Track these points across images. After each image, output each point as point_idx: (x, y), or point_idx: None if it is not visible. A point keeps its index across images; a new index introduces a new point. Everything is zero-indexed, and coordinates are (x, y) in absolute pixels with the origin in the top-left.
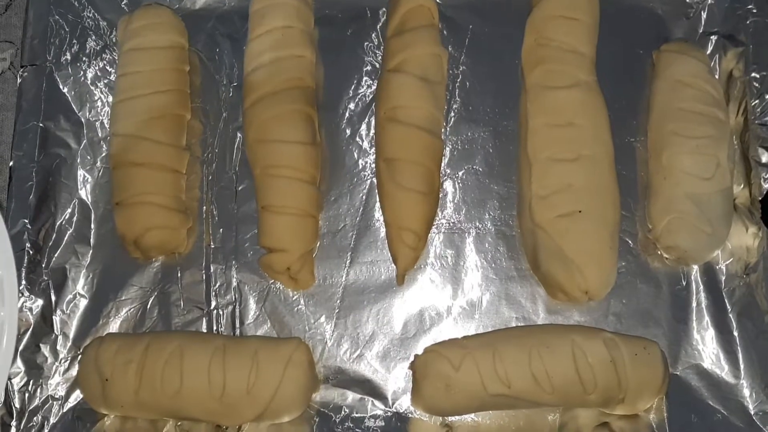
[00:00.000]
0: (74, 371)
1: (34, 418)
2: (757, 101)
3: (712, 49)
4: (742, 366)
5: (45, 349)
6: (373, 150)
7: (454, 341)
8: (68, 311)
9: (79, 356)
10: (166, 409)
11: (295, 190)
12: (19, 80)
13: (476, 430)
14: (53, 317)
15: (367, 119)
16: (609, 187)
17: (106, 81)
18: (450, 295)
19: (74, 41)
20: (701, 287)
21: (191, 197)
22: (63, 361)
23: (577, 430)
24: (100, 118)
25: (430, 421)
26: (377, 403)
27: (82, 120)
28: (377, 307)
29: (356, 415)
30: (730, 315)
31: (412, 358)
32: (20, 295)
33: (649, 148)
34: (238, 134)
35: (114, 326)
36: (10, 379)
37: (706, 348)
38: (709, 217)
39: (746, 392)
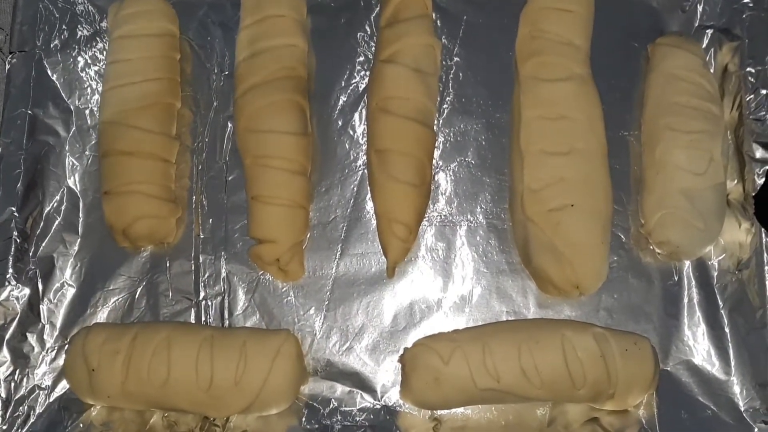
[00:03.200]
0: (61, 361)
1: (20, 408)
2: (752, 96)
3: (707, 43)
4: (732, 362)
5: (32, 339)
6: (364, 141)
7: (444, 335)
8: (55, 300)
9: (66, 346)
10: (153, 400)
11: (286, 181)
12: (7, 66)
13: (465, 424)
14: (40, 306)
15: (359, 110)
16: (601, 181)
17: (96, 68)
18: (440, 288)
19: (64, 28)
20: (693, 283)
21: (181, 187)
22: (50, 350)
23: (566, 425)
24: (90, 105)
25: (419, 415)
26: (366, 396)
27: (71, 107)
28: (367, 300)
29: (345, 408)
30: (722, 311)
31: (401, 351)
32: (7, 283)
33: (642, 142)
34: (229, 123)
35: (101, 316)
36: None
37: (697, 344)
38: (702, 213)
39: (737, 389)
